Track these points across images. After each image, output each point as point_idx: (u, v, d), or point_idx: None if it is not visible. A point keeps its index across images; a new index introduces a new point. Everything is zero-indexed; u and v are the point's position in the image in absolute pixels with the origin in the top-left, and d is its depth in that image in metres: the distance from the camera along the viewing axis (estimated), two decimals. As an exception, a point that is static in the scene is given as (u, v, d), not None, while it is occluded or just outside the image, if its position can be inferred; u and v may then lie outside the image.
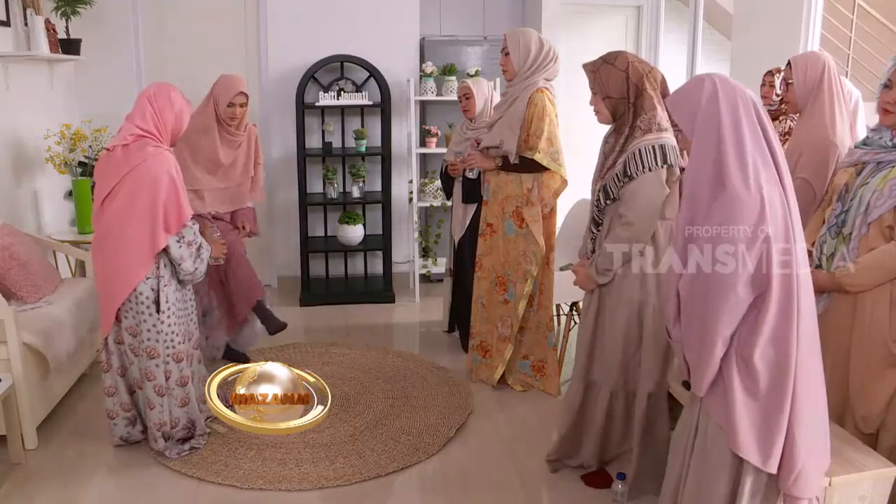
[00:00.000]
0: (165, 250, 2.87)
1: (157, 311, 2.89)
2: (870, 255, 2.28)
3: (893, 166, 2.28)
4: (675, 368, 2.59)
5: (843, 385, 2.41)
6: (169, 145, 2.93)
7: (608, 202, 2.63)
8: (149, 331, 2.90)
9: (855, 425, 2.39)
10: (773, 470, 1.82)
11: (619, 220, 2.59)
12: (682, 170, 2.58)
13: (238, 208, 3.78)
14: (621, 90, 2.56)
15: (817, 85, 2.71)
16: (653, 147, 2.51)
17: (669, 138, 2.54)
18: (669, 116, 2.55)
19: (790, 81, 2.80)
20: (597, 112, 2.66)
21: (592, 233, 2.73)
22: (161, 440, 3.00)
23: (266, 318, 3.79)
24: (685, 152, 2.63)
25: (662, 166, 2.52)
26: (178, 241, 2.87)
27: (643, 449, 2.70)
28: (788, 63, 2.82)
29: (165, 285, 2.91)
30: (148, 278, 2.86)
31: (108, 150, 2.88)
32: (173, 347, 2.96)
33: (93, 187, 4.39)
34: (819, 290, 2.39)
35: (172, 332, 2.95)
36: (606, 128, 2.74)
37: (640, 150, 2.52)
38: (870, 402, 2.34)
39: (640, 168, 2.51)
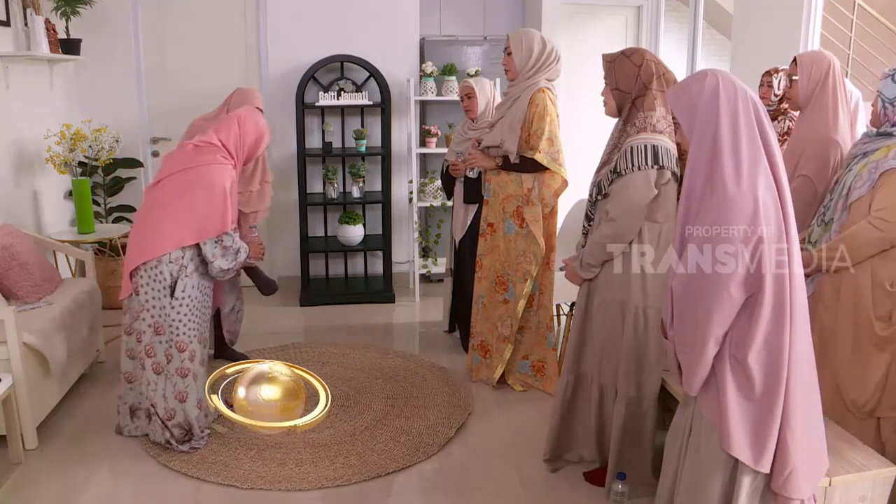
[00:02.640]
0: (198, 246, 2.98)
1: (171, 295, 2.96)
2: (845, 233, 2.39)
3: (875, 151, 2.39)
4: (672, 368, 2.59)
5: (833, 368, 2.44)
6: (242, 163, 3.14)
7: (600, 197, 2.64)
8: (160, 309, 2.98)
9: (846, 408, 2.43)
10: (766, 469, 1.82)
11: (605, 216, 2.61)
12: (675, 175, 2.59)
13: (243, 210, 3.77)
14: (629, 84, 2.57)
15: (822, 83, 2.74)
16: (645, 146, 2.51)
17: (664, 141, 2.53)
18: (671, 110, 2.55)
19: (794, 78, 2.82)
20: (605, 103, 2.68)
21: (585, 227, 2.75)
22: (156, 419, 3.04)
23: (258, 279, 3.81)
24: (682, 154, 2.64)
25: (653, 167, 2.51)
26: (216, 243, 2.97)
27: (621, 454, 2.70)
28: (794, 60, 2.85)
29: (186, 276, 2.98)
30: (171, 262, 2.95)
31: (185, 144, 3.11)
32: (178, 335, 3.00)
33: (93, 187, 4.40)
34: (809, 274, 2.46)
35: (181, 322, 3.00)
36: (608, 127, 2.74)
37: (631, 147, 2.52)
38: (858, 385, 2.38)
39: (630, 166, 2.52)
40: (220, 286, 3.77)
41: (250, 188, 3.78)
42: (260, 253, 3.46)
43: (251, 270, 3.84)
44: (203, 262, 3.03)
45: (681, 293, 1.88)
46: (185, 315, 3.01)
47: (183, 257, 2.96)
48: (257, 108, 3.66)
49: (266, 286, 3.84)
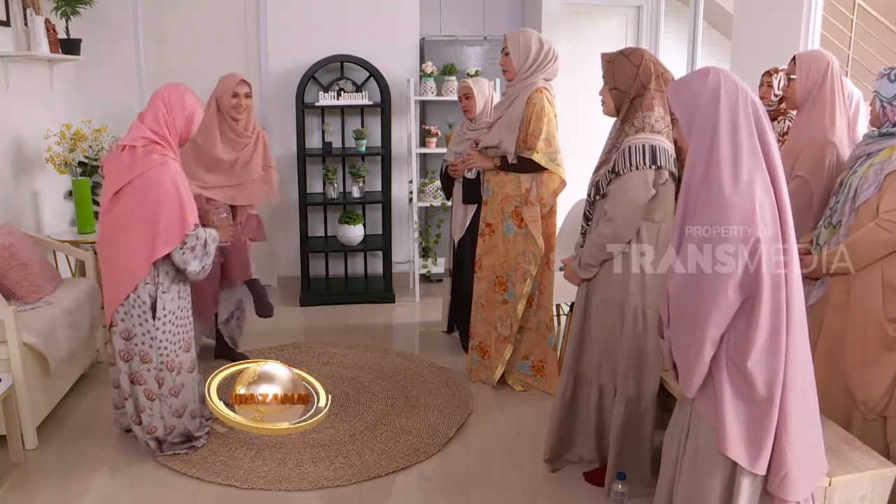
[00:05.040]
0: (168, 256, 2.87)
1: (153, 317, 2.91)
2: (852, 237, 2.38)
3: (878, 152, 2.39)
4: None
5: (844, 369, 2.44)
6: (178, 145, 2.96)
7: (598, 197, 2.64)
8: (143, 335, 2.92)
9: (856, 408, 2.43)
10: (762, 471, 1.82)
11: (603, 216, 2.61)
12: (672, 175, 2.59)
13: (240, 204, 3.77)
14: (628, 84, 2.57)
15: (819, 83, 2.73)
16: (643, 146, 2.51)
17: (662, 141, 2.53)
18: (670, 107, 2.54)
19: (793, 77, 2.82)
20: (603, 103, 2.68)
21: (583, 227, 2.75)
22: (153, 442, 3.01)
23: (257, 295, 3.82)
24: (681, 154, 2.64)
25: (651, 167, 2.51)
26: (182, 249, 2.87)
27: (621, 454, 2.70)
28: (793, 58, 2.84)
29: (164, 292, 2.92)
30: (147, 283, 2.88)
31: (118, 146, 2.91)
32: (167, 356, 2.96)
33: (93, 187, 4.41)
34: (812, 277, 2.46)
35: (167, 341, 2.96)
36: (608, 127, 2.74)
37: (629, 147, 2.52)
38: (869, 386, 2.38)
39: (628, 165, 2.51)
40: (211, 298, 3.77)
41: (252, 177, 3.77)
42: (230, 235, 3.29)
43: (253, 285, 3.84)
44: (176, 270, 2.94)
45: (677, 295, 1.88)
46: (170, 331, 2.96)
47: (157, 275, 2.89)
48: (243, 80, 3.61)
49: (262, 308, 3.85)
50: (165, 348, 2.96)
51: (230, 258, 3.72)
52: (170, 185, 2.81)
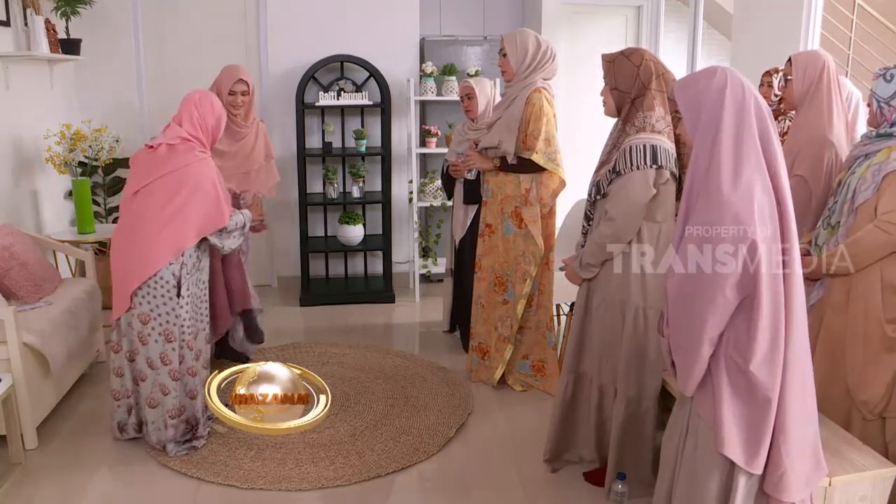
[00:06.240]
0: (203, 238, 2.99)
1: (178, 294, 2.95)
2: (852, 238, 2.38)
3: (876, 153, 2.39)
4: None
5: (844, 370, 2.45)
6: (209, 148, 3.09)
7: (599, 197, 2.64)
8: (168, 314, 2.95)
9: (856, 408, 2.44)
10: (758, 471, 1.82)
11: (604, 216, 2.61)
12: (674, 175, 2.59)
13: (243, 191, 3.78)
14: (628, 84, 2.57)
15: (816, 83, 2.74)
16: (643, 146, 2.50)
17: (663, 140, 2.53)
18: (672, 103, 2.54)
19: (789, 77, 2.82)
20: (604, 103, 2.68)
21: (584, 227, 2.75)
22: (171, 429, 3.01)
23: (251, 327, 3.89)
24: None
25: (651, 166, 2.51)
26: (220, 233, 3.01)
27: (621, 454, 2.70)
28: (789, 59, 2.85)
29: (188, 274, 2.98)
30: (171, 263, 2.93)
31: (149, 146, 2.99)
32: (187, 335, 3.01)
33: (93, 187, 4.41)
34: (812, 277, 2.47)
35: (187, 319, 3.01)
36: (609, 127, 2.74)
37: (630, 147, 2.52)
38: (869, 386, 2.38)
39: (629, 165, 2.51)
40: (228, 311, 3.79)
41: (255, 167, 3.77)
42: (260, 214, 3.48)
43: (247, 317, 3.87)
44: (199, 258, 3.04)
45: (675, 295, 1.88)
46: (189, 312, 3.02)
47: (183, 255, 2.96)
48: (241, 80, 3.66)
49: (252, 336, 3.93)
50: (187, 327, 3.00)
51: (230, 283, 3.73)
52: (209, 181, 2.96)
